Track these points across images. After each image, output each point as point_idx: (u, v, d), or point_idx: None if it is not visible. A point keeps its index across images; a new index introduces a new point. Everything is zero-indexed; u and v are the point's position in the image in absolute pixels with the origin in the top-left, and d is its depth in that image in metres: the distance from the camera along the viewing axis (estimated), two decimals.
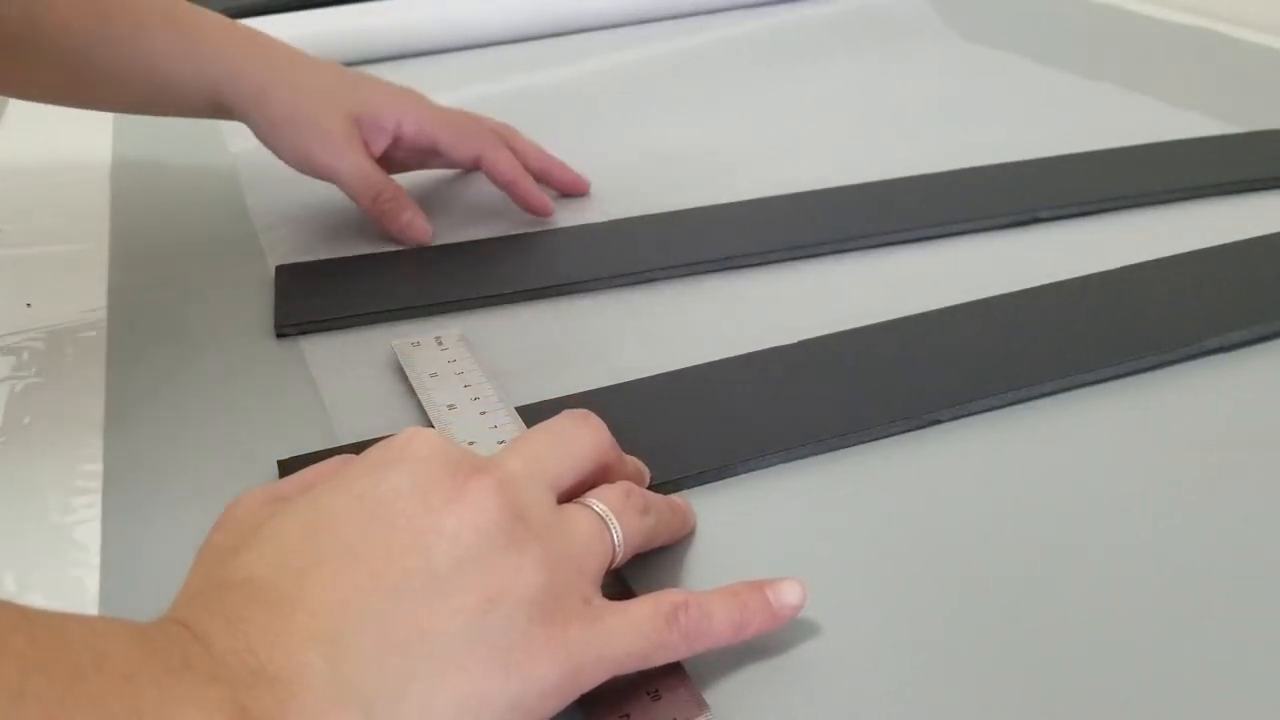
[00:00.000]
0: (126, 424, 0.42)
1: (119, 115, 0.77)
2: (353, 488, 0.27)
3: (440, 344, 0.45)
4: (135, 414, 0.43)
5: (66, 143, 0.74)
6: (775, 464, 0.37)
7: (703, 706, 0.28)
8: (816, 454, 0.38)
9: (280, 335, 0.46)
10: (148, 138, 0.73)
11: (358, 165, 0.52)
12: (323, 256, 0.54)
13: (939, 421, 0.39)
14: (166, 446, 0.41)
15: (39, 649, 0.22)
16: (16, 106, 0.84)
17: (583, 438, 0.31)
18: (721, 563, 0.33)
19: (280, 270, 0.51)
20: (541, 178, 0.58)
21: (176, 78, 0.51)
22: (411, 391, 0.42)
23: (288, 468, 0.38)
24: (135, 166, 0.68)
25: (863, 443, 0.38)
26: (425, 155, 0.57)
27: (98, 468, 0.40)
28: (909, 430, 0.39)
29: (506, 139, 0.57)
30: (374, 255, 0.53)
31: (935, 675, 0.29)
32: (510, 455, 0.29)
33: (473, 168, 0.57)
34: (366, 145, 0.53)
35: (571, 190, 0.59)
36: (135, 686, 0.22)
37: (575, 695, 0.26)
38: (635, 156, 0.65)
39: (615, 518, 0.30)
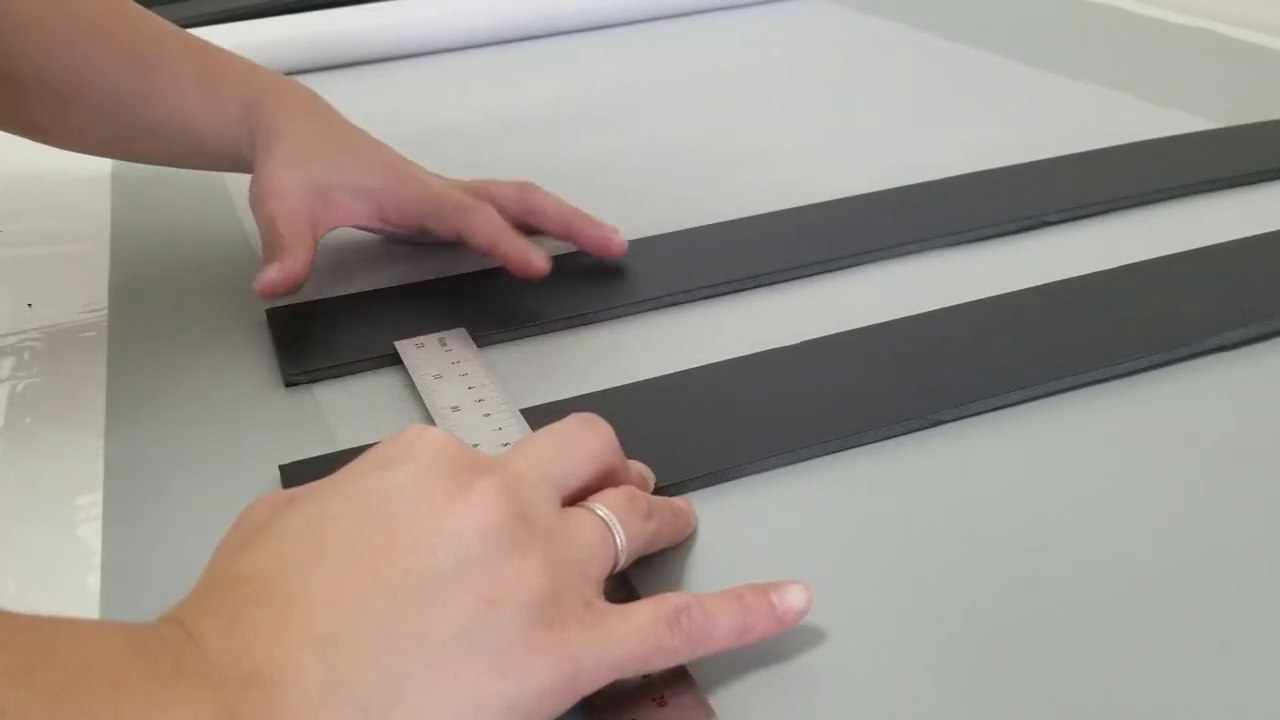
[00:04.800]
0: (127, 424, 0.42)
1: None
2: (356, 485, 0.27)
3: (444, 344, 0.44)
4: (136, 414, 0.43)
5: None
6: (779, 465, 0.37)
7: (709, 712, 0.28)
8: (821, 455, 0.38)
9: (290, 385, 0.44)
10: None
11: (267, 189, 0.48)
12: (319, 252, 0.54)
13: (942, 422, 0.39)
14: (168, 446, 0.40)
15: (23, 661, 0.21)
16: None
17: (589, 441, 0.31)
18: (725, 565, 0.33)
19: (272, 315, 0.49)
20: (567, 238, 0.52)
21: (201, 133, 0.50)
22: (415, 393, 0.42)
23: (291, 473, 0.38)
24: (136, 167, 0.68)
25: (866, 444, 0.38)
26: (421, 235, 0.52)
27: (99, 467, 0.40)
28: (912, 431, 0.39)
29: (520, 198, 0.52)
30: (368, 292, 0.51)
31: (942, 678, 0.29)
32: (516, 456, 0.29)
33: (459, 243, 0.50)
34: (330, 210, 0.49)
35: (600, 250, 0.51)
36: (121, 696, 0.22)
37: (575, 698, 0.26)
38: (628, 166, 0.65)
39: (619, 522, 0.29)
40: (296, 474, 0.38)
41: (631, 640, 0.27)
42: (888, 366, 0.42)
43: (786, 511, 0.35)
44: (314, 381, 0.44)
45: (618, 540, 0.29)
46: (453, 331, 0.45)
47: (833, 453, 0.38)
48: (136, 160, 0.53)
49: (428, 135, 0.71)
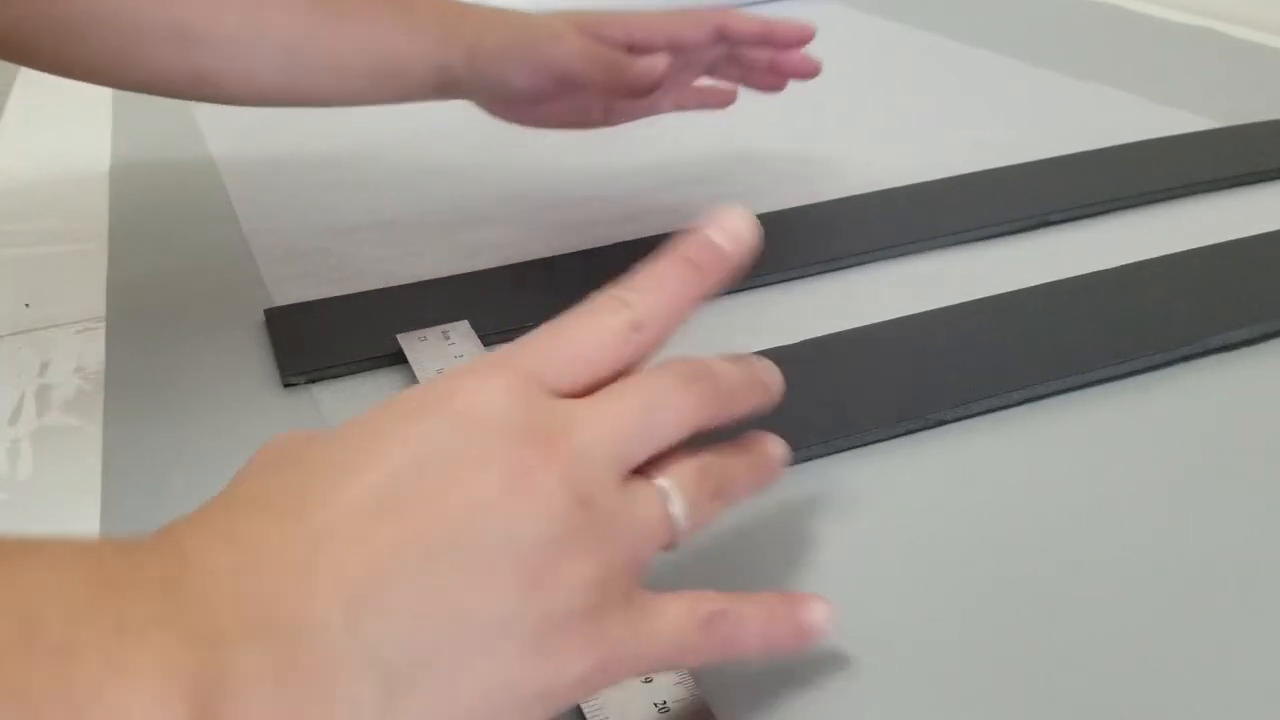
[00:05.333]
0: (126, 424, 0.42)
1: (118, 116, 0.77)
2: (400, 430, 0.25)
3: (447, 338, 0.44)
4: (134, 414, 0.42)
5: (66, 144, 0.74)
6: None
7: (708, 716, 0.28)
8: (821, 456, 0.38)
9: (288, 385, 0.44)
10: (147, 138, 0.73)
11: (581, 44, 0.50)
12: (316, 252, 0.54)
13: (944, 422, 0.39)
14: (166, 446, 0.40)
15: None
16: (16, 107, 0.84)
17: (680, 410, 0.27)
18: (725, 566, 0.33)
19: (271, 315, 0.49)
20: (764, 42, 0.55)
21: (399, 57, 0.49)
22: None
23: None
24: (134, 167, 0.68)
25: (866, 444, 0.38)
26: (667, 50, 0.53)
27: (98, 467, 0.40)
28: (913, 431, 0.39)
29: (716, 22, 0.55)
30: (367, 292, 0.50)
31: (942, 678, 0.29)
32: (589, 424, 0.25)
33: (717, 40, 0.54)
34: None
35: (800, 42, 0.55)
36: (69, 661, 0.19)
37: (601, 689, 0.25)
38: (627, 168, 0.65)
39: (683, 503, 0.27)
40: None
41: (665, 638, 0.26)
42: (888, 366, 0.42)
43: (787, 512, 0.35)
44: (313, 382, 0.44)
45: (677, 523, 0.27)
46: (456, 324, 0.45)
47: (832, 453, 0.38)
48: (313, 103, 0.51)
49: (437, 129, 0.71)
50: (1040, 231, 0.53)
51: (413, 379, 0.42)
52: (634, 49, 0.52)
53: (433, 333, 0.45)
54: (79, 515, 0.37)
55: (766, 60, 0.56)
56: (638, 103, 0.55)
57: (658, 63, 0.49)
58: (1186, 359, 0.42)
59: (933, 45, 0.86)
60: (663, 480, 0.27)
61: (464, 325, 0.45)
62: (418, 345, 0.44)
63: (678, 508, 0.26)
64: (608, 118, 0.55)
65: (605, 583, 0.25)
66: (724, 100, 0.58)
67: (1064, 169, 0.59)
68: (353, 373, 0.44)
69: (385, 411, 0.25)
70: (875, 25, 0.92)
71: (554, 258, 0.53)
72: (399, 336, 0.45)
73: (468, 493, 0.24)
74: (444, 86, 0.50)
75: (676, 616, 0.26)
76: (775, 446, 0.31)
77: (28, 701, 0.18)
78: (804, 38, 0.55)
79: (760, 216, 0.55)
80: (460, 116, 0.71)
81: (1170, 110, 0.68)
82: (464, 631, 0.23)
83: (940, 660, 0.29)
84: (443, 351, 0.43)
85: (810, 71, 0.56)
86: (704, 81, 0.58)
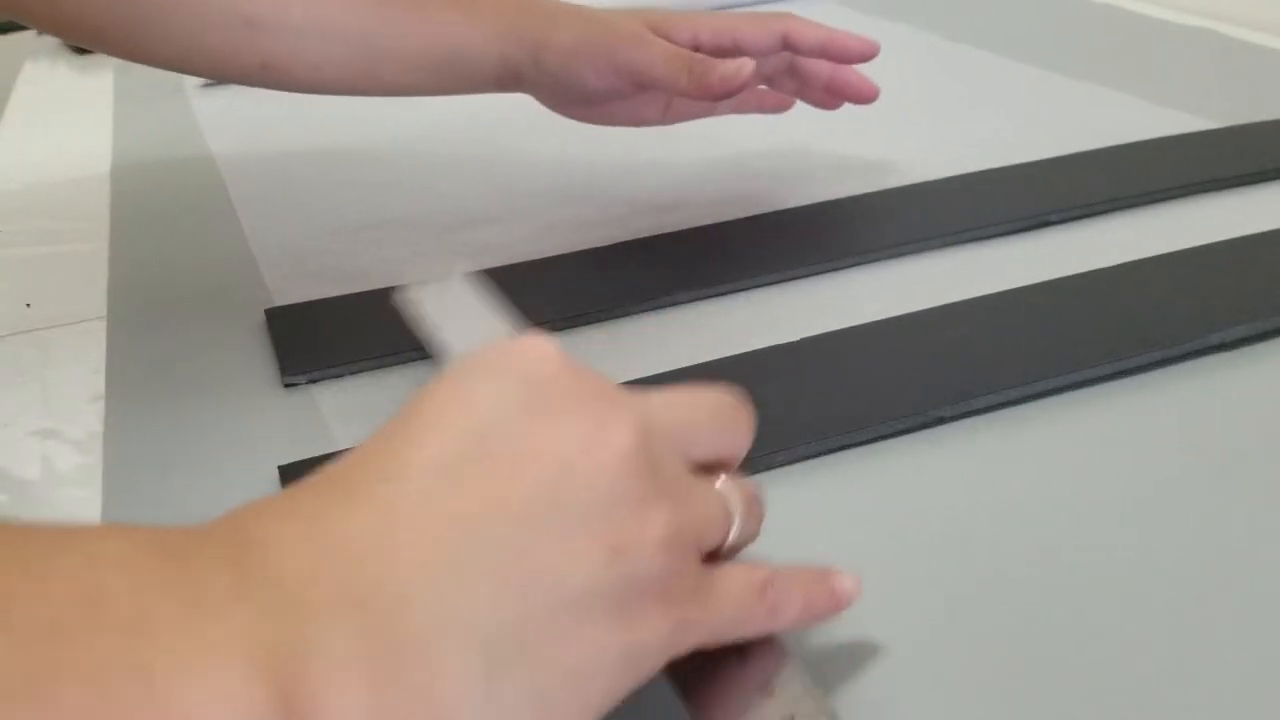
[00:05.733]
0: (126, 426, 0.42)
1: (119, 116, 0.77)
2: (460, 394, 0.24)
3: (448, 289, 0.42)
4: (135, 416, 0.43)
5: (67, 144, 0.74)
6: (781, 464, 0.37)
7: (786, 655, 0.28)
8: (821, 454, 0.38)
9: (289, 386, 0.44)
10: (148, 139, 0.73)
11: (663, 47, 0.50)
12: (317, 252, 0.54)
13: (943, 420, 0.39)
14: (167, 447, 0.40)
15: (6, 587, 0.17)
16: (17, 107, 0.84)
17: (738, 428, 0.28)
18: None
19: (271, 315, 0.49)
20: (825, 55, 0.55)
21: (463, 51, 0.50)
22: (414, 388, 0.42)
23: (290, 474, 0.38)
24: (135, 167, 0.68)
25: (867, 442, 0.38)
26: (730, 54, 0.52)
27: (98, 468, 0.40)
28: (913, 429, 0.39)
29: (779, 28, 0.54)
30: (368, 292, 0.50)
31: (941, 678, 0.29)
32: (657, 404, 0.26)
33: (782, 48, 0.54)
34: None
35: (861, 58, 0.54)
36: (143, 637, 0.18)
37: (675, 654, 0.25)
38: (628, 168, 0.65)
39: (738, 509, 0.27)
40: (296, 475, 0.37)
41: (729, 604, 0.26)
42: (888, 364, 0.42)
43: (786, 510, 0.35)
44: (313, 382, 0.44)
45: (732, 528, 0.27)
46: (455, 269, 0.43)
47: (834, 451, 0.38)
48: (377, 93, 0.52)
49: (437, 129, 0.71)
50: (1040, 231, 0.53)
51: (413, 381, 0.42)
52: (699, 52, 0.51)
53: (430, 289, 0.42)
54: (80, 515, 0.37)
55: (825, 77, 0.56)
56: (696, 103, 0.55)
57: (745, 66, 0.48)
58: (1186, 357, 0.42)
59: (932, 45, 0.86)
60: (719, 483, 0.27)
61: (464, 268, 0.44)
62: (419, 301, 0.41)
63: (734, 511, 0.27)
64: (665, 116, 0.55)
65: (676, 546, 0.24)
66: (780, 105, 0.58)
67: (1064, 169, 0.59)
68: (353, 373, 0.44)
69: (437, 385, 0.24)
70: (874, 25, 0.92)
71: (555, 258, 0.53)
72: (396, 299, 0.42)
73: (543, 448, 0.23)
74: (506, 80, 0.51)
75: (737, 583, 0.26)
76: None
77: (101, 682, 0.17)
78: (866, 53, 0.54)
79: (761, 217, 0.56)
80: (460, 116, 0.71)
81: (1169, 111, 0.68)
82: (556, 601, 0.22)
83: (939, 659, 0.29)
84: (447, 304, 0.41)
85: (867, 95, 0.56)
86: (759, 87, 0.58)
